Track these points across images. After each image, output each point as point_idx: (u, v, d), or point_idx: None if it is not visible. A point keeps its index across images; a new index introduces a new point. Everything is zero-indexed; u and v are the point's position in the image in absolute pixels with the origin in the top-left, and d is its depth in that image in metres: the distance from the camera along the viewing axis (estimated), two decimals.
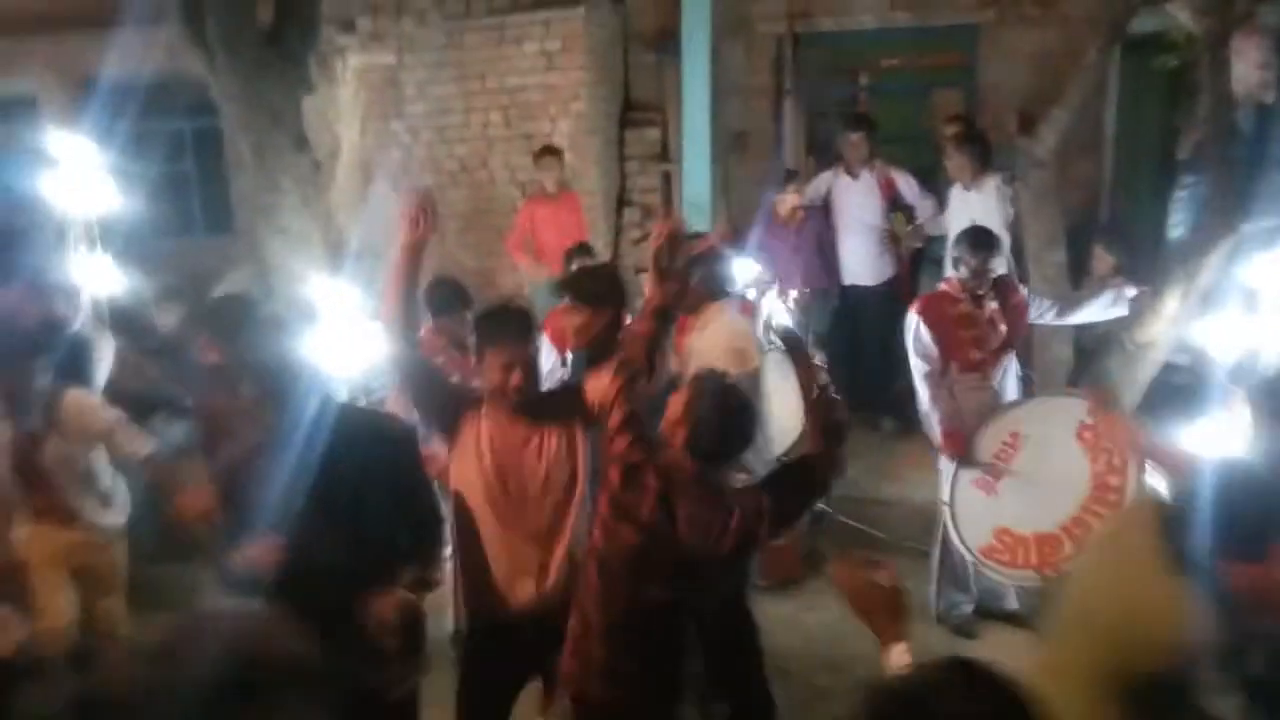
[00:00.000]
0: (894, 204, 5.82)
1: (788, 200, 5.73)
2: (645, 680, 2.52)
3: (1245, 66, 4.89)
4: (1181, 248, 4.48)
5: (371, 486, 2.39)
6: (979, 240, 4.24)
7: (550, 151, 6.14)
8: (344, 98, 6.82)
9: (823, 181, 5.96)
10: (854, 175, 5.81)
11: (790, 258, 5.60)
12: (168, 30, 6.81)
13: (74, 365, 3.79)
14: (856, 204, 5.80)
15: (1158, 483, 3.86)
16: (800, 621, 4.30)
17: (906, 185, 5.76)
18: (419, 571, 2.54)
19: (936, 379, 4.10)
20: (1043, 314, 4.46)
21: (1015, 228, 5.20)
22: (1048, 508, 3.83)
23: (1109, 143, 6.34)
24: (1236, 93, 4.78)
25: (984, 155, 5.36)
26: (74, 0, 6.84)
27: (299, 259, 6.68)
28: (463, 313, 4.10)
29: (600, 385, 2.69)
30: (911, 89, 7.22)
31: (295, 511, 2.20)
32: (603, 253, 6.31)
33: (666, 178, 6.94)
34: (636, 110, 7.04)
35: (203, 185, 8.87)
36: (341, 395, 3.30)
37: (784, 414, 4.45)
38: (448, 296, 4.15)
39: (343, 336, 3.51)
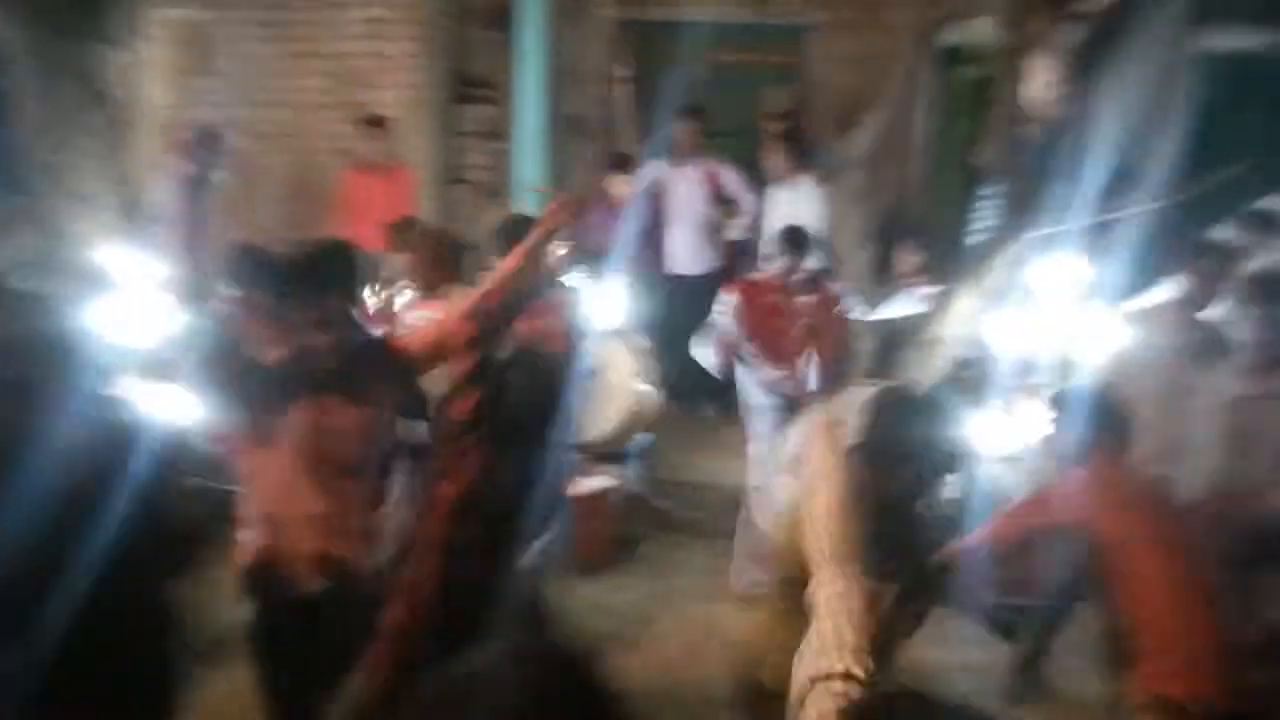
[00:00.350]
0: (718, 196, 5.92)
1: (617, 185, 5.75)
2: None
3: (1037, 82, 5.27)
4: (975, 250, 4.79)
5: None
6: (793, 238, 4.42)
7: (374, 121, 5.90)
8: (150, 53, 6.36)
9: (651, 170, 6.01)
10: (680, 165, 5.88)
11: (616, 243, 5.62)
12: None
13: None
14: (683, 194, 5.88)
15: None
16: (608, 603, 4.34)
17: (729, 179, 5.88)
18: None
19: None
20: (851, 306, 4.68)
21: (828, 225, 5.43)
22: None
23: (918, 148, 6.65)
24: (1029, 107, 5.14)
25: (801, 154, 5.54)
26: None
27: (91, 222, 6.20)
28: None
29: (446, 327, 2.61)
30: (744, 84, 7.38)
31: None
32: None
33: (497, 156, 6.82)
34: (472, 86, 6.88)
35: None
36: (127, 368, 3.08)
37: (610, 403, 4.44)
38: (257, 267, 3.91)
39: (134, 305, 3.28)
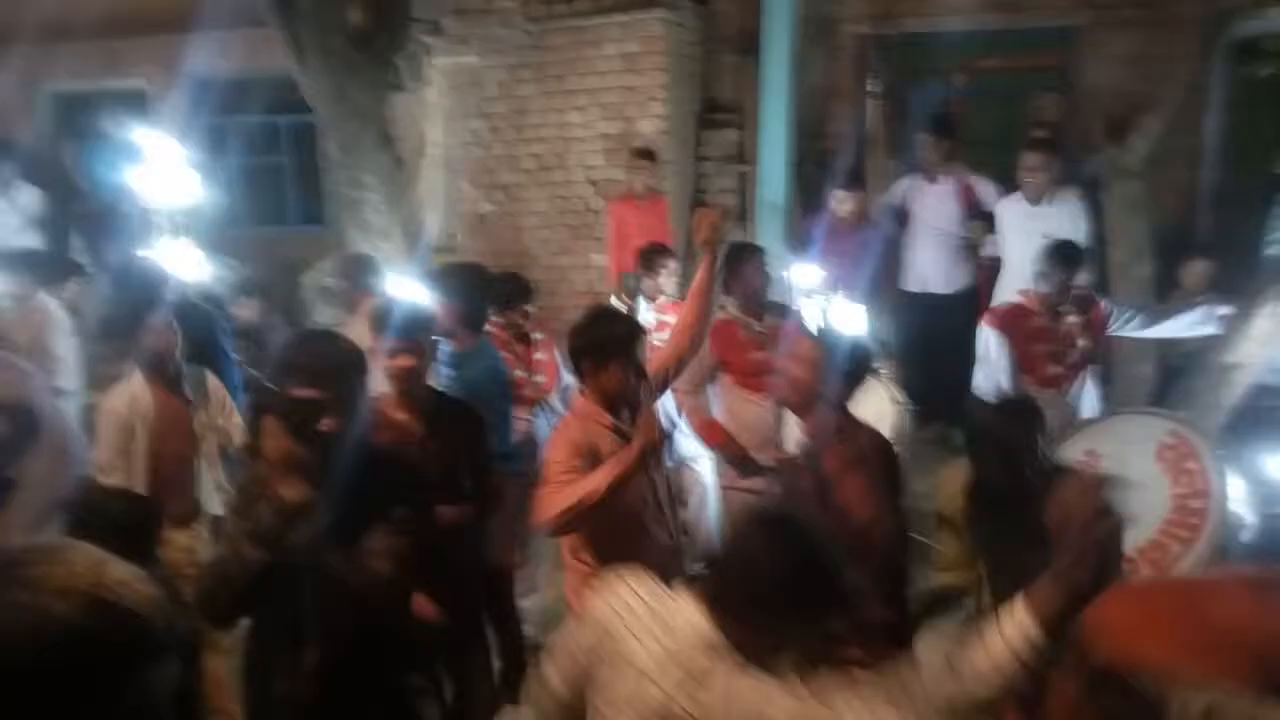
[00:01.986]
0: (974, 212, 5.63)
1: (844, 203, 5.58)
2: None
3: None
4: (1276, 264, 4.25)
5: None
6: (1065, 255, 4.12)
7: (644, 154, 6.12)
8: (429, 97, 6.99)
9: (900, 186, 5.83)
10: (931, 180, 5.66)
11: (850, 263, 5.45)
12: (267, 31, 7.10)
13: (207, 348, 3.97)
14: (932, 210, 5.63)
15: (1239, 506, 3.69)
16: None
17: (987, 193, 5.57)
18: None
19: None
20: (1124, 325, 4.30)
21: (1099, 239, 5.00)
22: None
23: (1206, 153, 6.03)
24: None
25: (1061, 166, 5.11)
26: (181, 2, 7.17)
27: (380, 253, 6.88)
28: (525, 307, 4.17)
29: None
30: (1005, 92, 7.00)
31: None
32: (677, 252, 6.31)
33: (743, 179, 6.90)
34: (716, 111, 7.02)
35: (298, 178, 9.21)
36: None
37: None
38: (512, 291, 4.22)
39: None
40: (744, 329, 3.99)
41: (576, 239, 6.75)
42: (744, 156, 6.92)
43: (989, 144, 6.53)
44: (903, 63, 6.87)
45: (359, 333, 4.52)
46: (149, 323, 3.43)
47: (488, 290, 4.02)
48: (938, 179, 5.62)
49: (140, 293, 3.71)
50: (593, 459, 2.72)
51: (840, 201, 5.61)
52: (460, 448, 3.02)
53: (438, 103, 6.96)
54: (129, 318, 4.01)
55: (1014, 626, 1.55)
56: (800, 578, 1.64)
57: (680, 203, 6.72)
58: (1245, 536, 3.53)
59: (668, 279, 4.64)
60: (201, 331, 4.00)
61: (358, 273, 4.87)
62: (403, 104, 7.07)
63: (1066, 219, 4.98)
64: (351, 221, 7.26)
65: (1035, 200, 5.06)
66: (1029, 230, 4.86)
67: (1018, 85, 6.95)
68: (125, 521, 2.56)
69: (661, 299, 4.79)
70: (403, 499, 2.19)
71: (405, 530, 2.14)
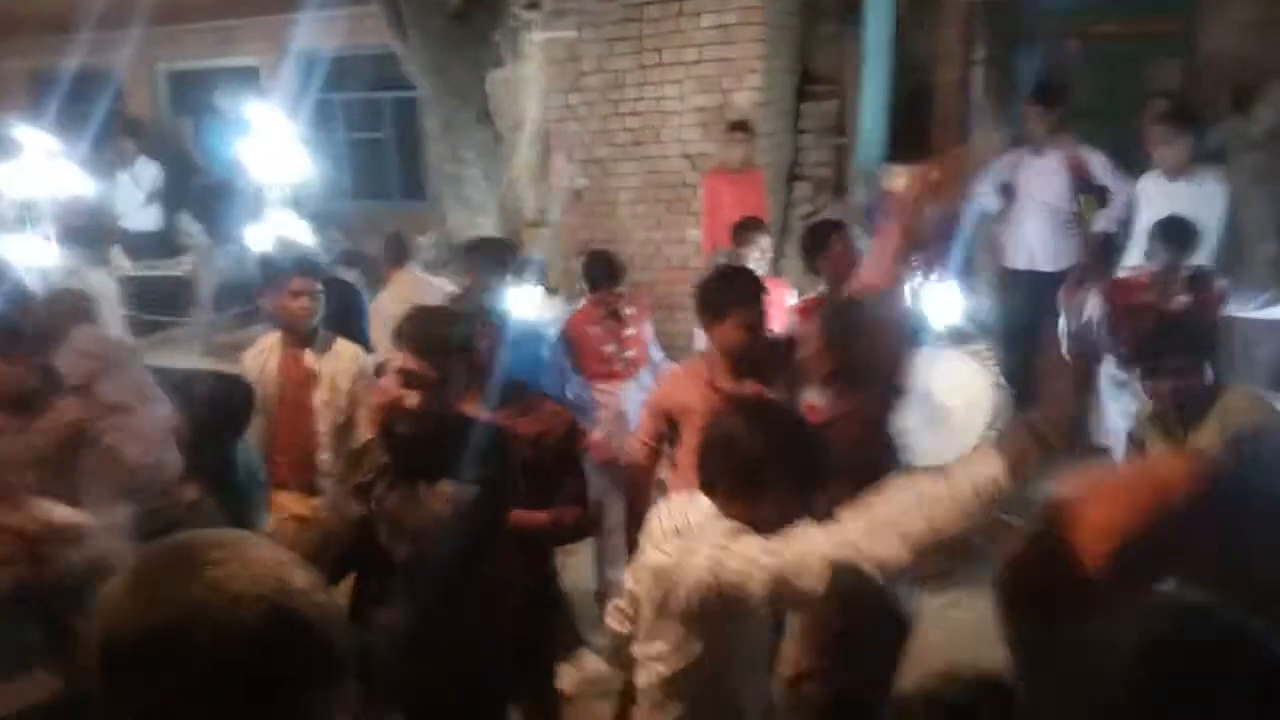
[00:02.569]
0: (1083, 185, 5.39)
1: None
2: None
3: None
4: None
5: None
6: (1174, 232, 3.95)
7: (740, 127, 6.06)
8: (527, 72, 7.05)
9: (1008, 160, 5.62)
10: (1038, 152, 5.42)
11: (931, 240, 5.22)
12: (371, 9, 7.27)
13: (345, 319, 4.03)
14: (1038, 183, 5.38)
15: None
16: (946, 616, 4.14)
17: (1099, 165, 5.31)
18: None
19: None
20: (1244, 305, 4.09)
21: (1223, 219, 4.74)
22: None
23: None
24: None
25: (1192, 138, 4.83)
26: None
27: (479, 226, 7.02)
28: (616, 285, 4.18)
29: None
30: (1121, 59, 6.66)
31: None
32: (772, 228, 6.25)
33: (839, 151, 6.77)
34: (814, 83, 6.89)
35: (400, 153, 9.44)
36: None
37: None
38: (604, 269, 4.24)
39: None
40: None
41: (671, 214, 6.74)
42: (842, 128, 6.78)
43: (1102, 114, 6.24)
44: (1012, 28, 6.60)
45: (384, 304, 4.69)
46: (285, 289, 3.46)
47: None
48: (1044, 151, 5.40)
49: (273, 263, 3.85)
50: (666, 418, 2.92)
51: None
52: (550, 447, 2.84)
53: (535, 77, 7.01)
54: (254, 286, 4.18)
55: (980, 466, 1.58)
56: (777, 449, 1.87)
57: (776, 176, 6.64)
58: None
59: (761, 254, 4.59)
60: (342, 303, 4.10)
61: (394, 250, 5.11)
62: (502, 80, 7.17)
63: (1204, 198, 4.73)
64: (451, 195, 7.43)
65: (1173, 176, 4.82)
66: (1161, 208, 4.61)
67: (1134, 52, 6.61)
68: (220, 398, 2.69)
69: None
70: (486, 465, 2.23)
71: (483, 489, 2.20)
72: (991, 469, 1.56)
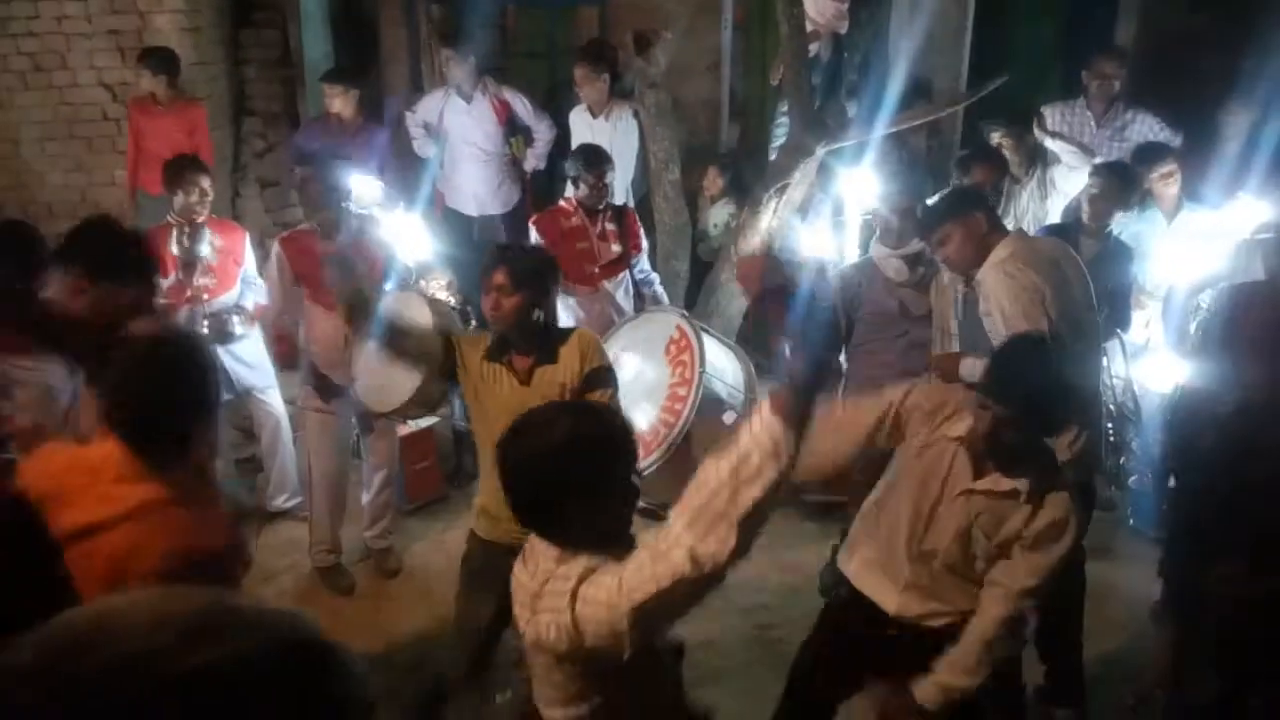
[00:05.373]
0: (511, 126, 5.65)
1: (335, 98, 5.36)
2: None
3: None
4: (773, 168, 4.90)
5: None
6: (592, 157, 4.39)
7: (151, 52, 5.40)
8: None
9: (433, 103, 5.59)
10: (466, 99, 5.51)
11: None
12: None
13: None
14: (471, 129, 5.54)
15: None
16: (445, 540, 4.32)
17: (521, 106, 5.60)
18: None
19: None
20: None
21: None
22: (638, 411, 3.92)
23: (726, 67, 6.69)
24: (815, 22, 5.24)
25: (613, 82, 5.40)
26: None
27: None
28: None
29: None
30: (554, 4, 7.14)
31: None
32: (219, 165, 5.76)
33: (288, 83, 6.42)
34: (253, 9, 6.39)
35: None
36: None
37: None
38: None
39: None
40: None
41: (93, 153, 5.88)
42: (288, 59, 6.42)
43: (537, 55, 6.69)
44: None
45: None
46: None
47: None
48: (471, 96, 5.49)
49: None
50: None
51: (329, 97, 5.39)
52: None
53: None
54: None
55: (760, 423, 1.64)
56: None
57: (220, 109, 6.08)
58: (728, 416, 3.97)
59: (200, 197, 4.17)
60: None
61: None
62: None
63: (621, 131, 5.29)
64: None
65: (595, 112, 5.32)
66: (586, 140, 5.04)
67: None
68: None
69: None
70: None
71: None
72: (769, 422, 1.61)
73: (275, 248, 3.89)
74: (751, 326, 5.18)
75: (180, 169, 4.24)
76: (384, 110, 6.13)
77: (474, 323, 4.38)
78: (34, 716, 0.60)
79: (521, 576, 1.81)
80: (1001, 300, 2.92)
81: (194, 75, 5.69)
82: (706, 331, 4.11)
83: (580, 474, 1.70)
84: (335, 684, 0.72)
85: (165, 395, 1.93)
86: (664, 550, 1.60)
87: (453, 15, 6.21)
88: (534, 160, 5.70)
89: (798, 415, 1.62)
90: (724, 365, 4.08)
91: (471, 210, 5.70)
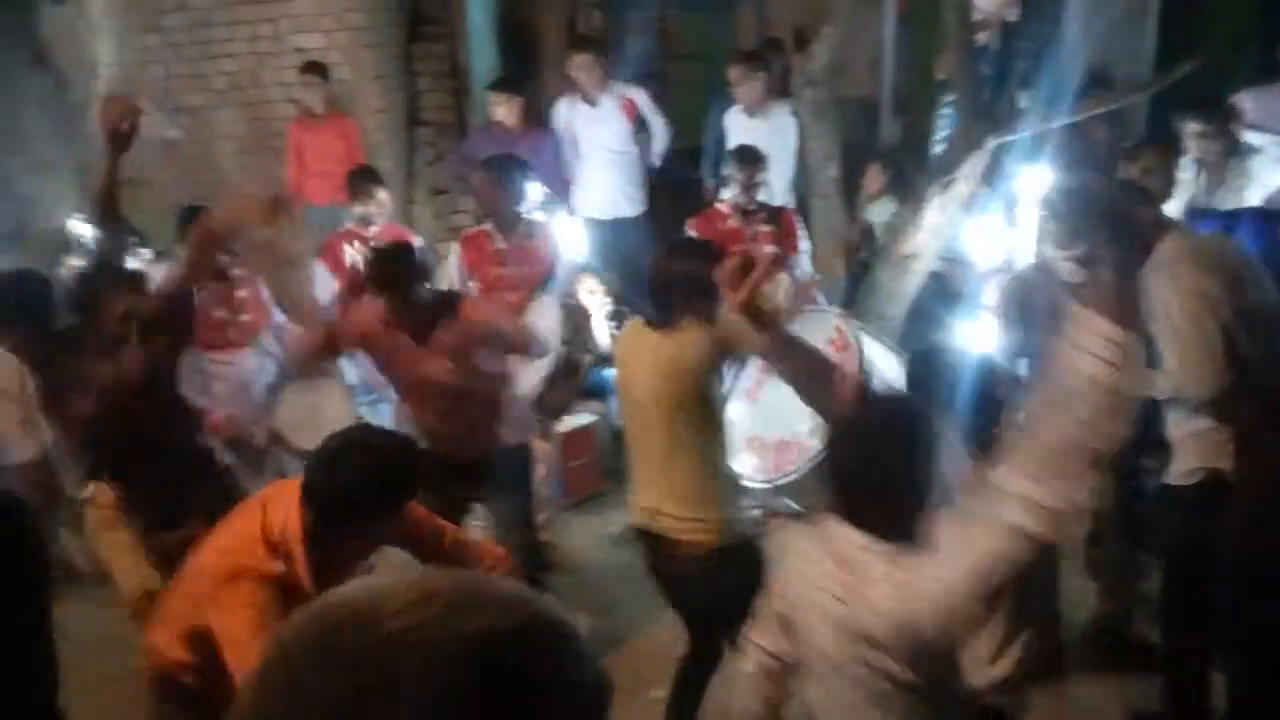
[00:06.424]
0: (640, 125, 5.61)
1: (500, 105, 5.48)
2: None
3: None
4: (938, 163, 4.74)
5: None
6: (746, 156, 4.39)
7: (311, 68, 5.72)
8: (93, 10, 6.19)
9: (560, 113, 5.61)
10: (592, 102, 5.49)
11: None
12: None
13: None
14: (600, 132, 5.49)
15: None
16: (604, 535, 4.41)
17: (645, 101, 5.57)
18: None
19: None
20: None
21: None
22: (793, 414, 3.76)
23: (888, 61, 6.52)
24: (984, 11, 5.03)
25: (769, 80, 5.35)
26: None
27: (52, 189, 6.12)
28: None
29: None
30: (712, 5, 7.17)
31: None
32: (393, 174, 6.07)
33: (458, 94, 6.69)
34: (424, 23, 6.70)
35: None
36: None
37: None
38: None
39: None
40: None
41: (283, 164, 6.31)
42: (457, 70, 6.69)
43: (697, 57, 6.71)
44: None
45: None
46: None
47: None
48: (597, 100, 5.47)
49: None
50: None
51: (494, 105, 5.48)
52: None
53: (103, 18, 6.17)
54: None
55: (1090, 338, 1.45)
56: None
57: (394, 121, 6.40)
58: None
59: (379, 208, 4.42)
60: None
61: None
62: (62, 18, 6.23)
63: (777, 130, 5.23)
64: (12, 156, 6.38)
65: (752, 112, 5.28)
66: (742, 141, 4.97)
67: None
68: None
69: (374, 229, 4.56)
70: None
71: None
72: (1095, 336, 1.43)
73: (454, 246, 4.09)
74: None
75: (359, 180, 4.51)
76: (548, 117, 6.29)
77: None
78: (333, 685, 0.66)
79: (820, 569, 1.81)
80: (1170, 306, 2.70)
81: (373, 89, 6.03)
82: (866, 332, 4.02)
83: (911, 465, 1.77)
84: (583, 658, 0.74)
85: None
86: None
87: (612, 21, 6.33)
88: (653, 157, 5.67)
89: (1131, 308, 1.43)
90: (886, 367, 3.98)
91: (604, 214, 5.63)
